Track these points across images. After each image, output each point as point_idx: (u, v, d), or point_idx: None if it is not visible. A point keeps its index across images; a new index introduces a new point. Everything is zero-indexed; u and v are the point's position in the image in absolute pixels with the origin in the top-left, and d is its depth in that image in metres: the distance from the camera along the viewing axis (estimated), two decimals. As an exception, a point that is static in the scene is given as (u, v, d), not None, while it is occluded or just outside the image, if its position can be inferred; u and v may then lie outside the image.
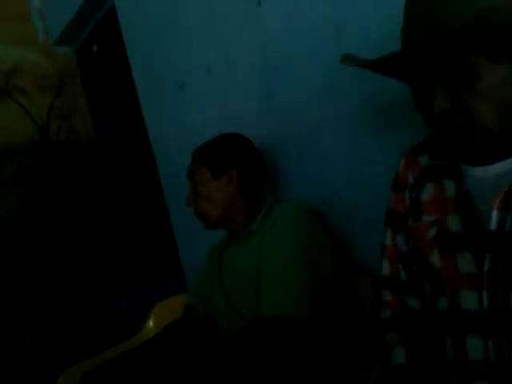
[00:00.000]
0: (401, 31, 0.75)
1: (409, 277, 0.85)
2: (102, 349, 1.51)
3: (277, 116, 1.44)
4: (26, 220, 2.83)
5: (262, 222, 1.22)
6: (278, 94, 1.42)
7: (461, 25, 0.65)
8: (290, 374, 1.05)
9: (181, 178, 1.98)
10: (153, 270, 2.77)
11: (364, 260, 1.26)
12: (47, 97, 2.99)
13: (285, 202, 1.28)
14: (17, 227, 2.80)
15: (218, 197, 1.25)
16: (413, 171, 0.84)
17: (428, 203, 0.79)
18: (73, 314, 2.79)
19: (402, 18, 0.74)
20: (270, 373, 1.04)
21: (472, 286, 0.69)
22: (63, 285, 2.85)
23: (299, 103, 1.35)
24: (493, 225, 0.67)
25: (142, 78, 2.16)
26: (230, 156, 1.27)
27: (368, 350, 1.05)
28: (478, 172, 0.74)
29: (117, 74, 2.66)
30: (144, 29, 2.04)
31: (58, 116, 3.02)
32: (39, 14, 3.01)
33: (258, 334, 1.06)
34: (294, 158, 1.42)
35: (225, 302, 1.26)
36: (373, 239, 1.00)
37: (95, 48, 2.93)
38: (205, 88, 1.74)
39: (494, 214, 0.67)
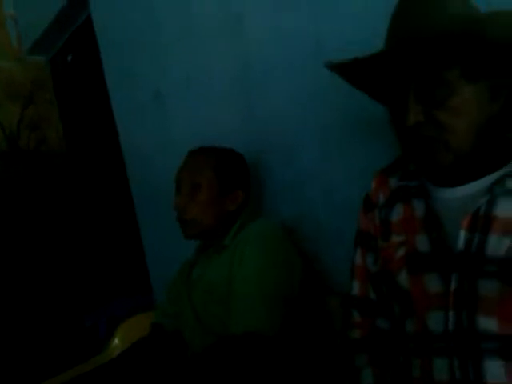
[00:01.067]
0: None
1: (378, 297, 0.86)
2: (67, 366, 1.46)
3: (257, 129, 1.44)
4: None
5: (234, 237, 1.21)
6: (258, 106, 1.42)
7: (435, 33, 0.66)
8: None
9: (153, 191, 1.96)
10: (121, 286, 2.72)
11: (334, 279, 1.26)
12: (18, 105, 2.93)
13: (258, 218, 1.28)
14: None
15: (216, 209, 1.23)
16: (383, 191, 0.85)
17: (397, 223, 0.80)
18: (38, 331, 2.70)
19: (382, 31, 0.76)
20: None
21: (439, 307, 0.70)
22: (27, 301, 2.75)
23: (279, 116, 1.36)
24: (460, 245, 0.68)
25: (117, 89, 2.14)
26: (240, 177, 1.28)
27: (336, 371, 1.04)
28: (446, 194, 0.75)
29: (91, 84, 2.63)
30: (120, 39, 2.03)
31: (29, 125, 2.96)
32: (13, 22, 2.97)
33: (225, 352, 1.04)
34: (273, 171, 1.42)
35: (193, 317, 1.23)
36: (343, 258, 1.01)
37: (70, 58, 2.90)
38: (183, 99, 1.72)
39: (462, 234, 0.68)
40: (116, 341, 1.54)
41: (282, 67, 1.31)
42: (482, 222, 0.67)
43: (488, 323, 0.65)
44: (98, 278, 2.90)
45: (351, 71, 0.81)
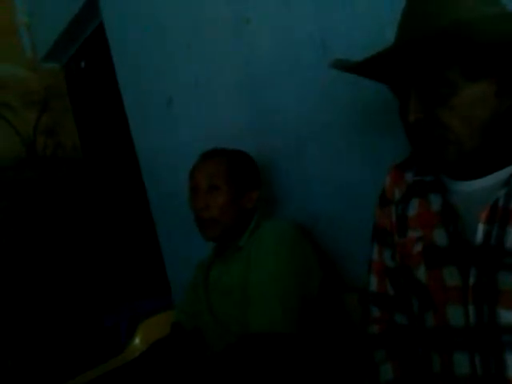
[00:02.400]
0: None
1: (396, 292, 0.86)
2: (87, 367, 1.48)
3: (266, 130, 1.45)
4: (11, 236, 2.79)
5: (250, 238, 1.22)
6: (266, 108, 1.43)
7: (436, 33, 0.66)
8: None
9: (168, 194, 1.98)
10: (140, 287, 2.74)
11: (351, 275, 1.26)
12: (34, 112, 2.97)
13: (272, 218, 1.29)
14: (0, 244, 2.75)
15: (235, 210, 1.24)
16: (399, 187, 0.85)
17: (414, 218, 0.80)
18: (59, 332, 2.74)
19: (387, 31, 0.76)
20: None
21: (458, 301, 0.69)
22: (49, 302, 2.80)
23: (288, 117, 1.36)
24: (479, 238, 0.68)
25: (130, 94, 2.17)
26: (254, 177, 1.29)
27: (356, 367, 1.04)
28: (463, 187, 0.75)
29: (104, 89, 2.66)
30: (132, 45, 2.05)
31: (45, 132, 3.00)
32: (27, 30, 3.01)
33: (245, 351, 1.05)
34: (282, 172, 1.43)
35: (212, 318, 1.25)
36: (360, 255, 1.01)
37: (83, 64, 2.93)
38: (192, 103, 1.74)
39: (480, 227, 0.68)
40: (137, 341, 1.56)
41: (289, 69, 1.32)
42: (500, 215, 0.67)
43: (509, 316, 0.64)
44: (118, 280, 2.93)
45: (358, 70, 0.81)
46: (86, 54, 2.86)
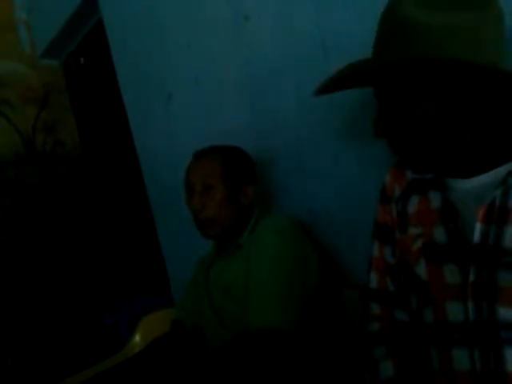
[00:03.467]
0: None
1: (396, 289, 0.86)
2: (88, 364, 1.48)
3: (264, 128, 1.45)
4: (10, 234, 2.79)
5: (249, 236, 1.22)
6: (266, 106, 1.43)
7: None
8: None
9: (168, 191, 1.98)
10: (140, 284, 2.74)
11: (351, 272, 1.27)
12: (33, 109, 2.96)
13: (271, 214, 1.29)
14: (1, 241, 2.75)
15: (232, 208, 1.23)
16: (399, 184, 0.85)
17: (414, 215, 0.80)
18: (58, 330, 2.74)
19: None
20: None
21: (457, 297, 0.70)
22: (48, 300, 2.80)
23: (287, 116, 1.36)
24: (476, 237, 0.68)
25: (130, 91, 2.16)
26: (248, 171, 1.29)
27: (355, 363, 1.04)
28: (462, 184, 0.75)
29: (104, 86, 2.66)
30: (131, 42, 2.05)
31: (44, 129, 2.99)
32: (25, 27, 3.00)
33: (245, 347, 1.05)
34: (282, 170, 1.43)
35: (212, 315, 1.25)
36: (360, 251, 1.01)
37: (82, 61, 2.93)
38: (192, 100, 1.74)
39: (478, 226, 0.68)
40: (136, 338, 1.57)
41: (289, 67, 1.32)
42: (497, 214, 0.67)
43: (508, 313, 0.65)
44: (118, 277, 2.93)
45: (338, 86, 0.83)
46: (85, 51, 2.85)
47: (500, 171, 0.70)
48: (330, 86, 0.80)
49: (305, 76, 1.27)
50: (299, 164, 1.36)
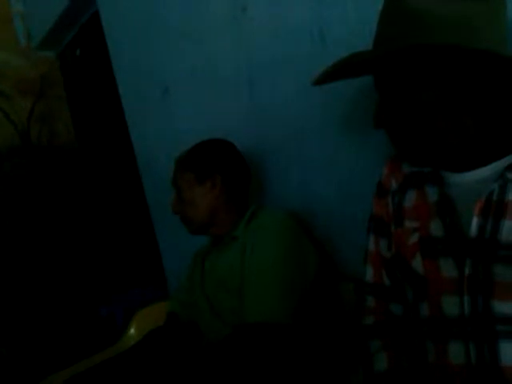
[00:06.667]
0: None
1: (392, 283, 0.86)
2: (83, 356, 1.48)
3: (263, 122, 1.44)
4: (5, 226, 2.78)
5: (245, 228, 1.22)
6: (264, 98, 1.42)
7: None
8: (275, 380, 1.04)
9: (164, 184, 1.97)
10: (136, 277, 2.74)
11: (347, 266, 1.26)
12: (28, 101, 2.94)
13: (268, 207, 1.28)
14: (-5, 233, 2.74)
15: (202, 202, 1.25)
16: (396, 177, 0.85)
17: (410, 209, 0.80)
18: (54, 322, 2.74)
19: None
20: (255, 379, 1.03)
21: (453, 291, 0.70)
22: (45, 292, 2.80)
23: (285, 109, 1.35)
24: (473, 231, 0.68)
25: (126, 83, 2.15)
26: (213, 161, 1.26)
27: (350, 356, 1.05)
28: (459, 178, 0.75)
29: (100, 78, 2.64)
30: (128, 33, 2.03)
31: (39, 120, 2.98)
32: (21, 18, 2.98)
33: (242, 341, 1.05)
34: (280, 163, 1.42)
35: (208, 308, 1.25)
36: (356, 245, 1.01)
37: (78, 52, 2.91)
38: (189, 93, 1.73)
39: (474, 220, 0.68)
40: (132, 330, 1.57)
41: (287, 58, 1.31)
42: (494, 208, 0.67)
43: (503, 307, 0.65)
44: (113, 270, 2.93)
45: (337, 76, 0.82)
46: (81, 42, 2.83)
47: (498, 165, 0.70)
48: (330, 75, 0.80)
49: (303, 67, 1.26)
50: (298, 157, 1.35)
